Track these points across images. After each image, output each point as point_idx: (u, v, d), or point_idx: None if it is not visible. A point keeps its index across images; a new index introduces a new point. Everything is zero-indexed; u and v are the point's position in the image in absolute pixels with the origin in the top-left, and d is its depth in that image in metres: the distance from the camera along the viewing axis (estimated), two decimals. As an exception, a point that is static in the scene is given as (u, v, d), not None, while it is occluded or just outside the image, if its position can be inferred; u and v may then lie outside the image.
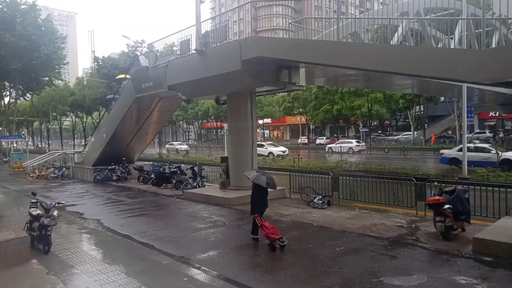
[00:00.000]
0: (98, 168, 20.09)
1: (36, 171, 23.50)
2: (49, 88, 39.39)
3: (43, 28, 28.51)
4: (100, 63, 41.04)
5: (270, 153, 34.19)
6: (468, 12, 18.28)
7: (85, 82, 56.34)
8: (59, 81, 41.24)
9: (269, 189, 8.65)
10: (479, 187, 9.83)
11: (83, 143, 51.94)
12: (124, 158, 20.34)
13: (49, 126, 73.13)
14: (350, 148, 35.53)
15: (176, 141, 67.79)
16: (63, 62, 32.44)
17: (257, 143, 36.38)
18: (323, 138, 57.62)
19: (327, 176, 13.02)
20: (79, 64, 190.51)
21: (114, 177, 19.68)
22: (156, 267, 6.76)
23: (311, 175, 13.81)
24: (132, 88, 17.45)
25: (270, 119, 66.74)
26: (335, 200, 12.22)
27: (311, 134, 63.29)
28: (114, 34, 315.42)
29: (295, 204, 12.50)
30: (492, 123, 50.15)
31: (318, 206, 11.75)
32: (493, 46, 17.80)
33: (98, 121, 26.69)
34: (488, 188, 9.76)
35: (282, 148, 36.27)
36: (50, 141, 78.78)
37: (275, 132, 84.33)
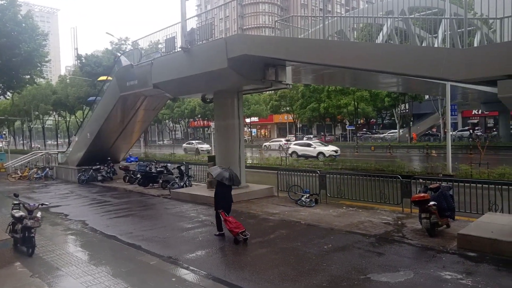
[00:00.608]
0: (83, 168, 19.75)
1: (19, 171, 22.96)
2: (31, 86, 38.48)
3: (23, 25, 27.77)
4: (83, 60, 40.27)
5: (320, 153, 29.23)
6: (451, 11, 18.60)
7: (68, 80, 55.18)
8: (41, 79, 40.30)
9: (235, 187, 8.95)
10: (463, 184, 10.02)
11: (67, 143, 51.02)
12: (109, 158, 20.04)
13: (31, 126, 71.50)
14: (280, 145, 39.27)
15: (194, 139, 61.93)
16: (44, 59, 31.67)
17: (304, 141, 35.91)
18: (310, 137, 57.86)
19: (314, 174, 13.08)
20: (62, 61, 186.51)
21: (99, 177, 19.38)
22: (144, 268, 6.67)
23: (299, 173, 13.86)
24: (117, 86, 17.20)
25: (257, 117, 66.71)
26: (322, 198, 12.29)
27: (298, 133, 63.51)
28: (97, 31, 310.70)
29: (283, 202, 12.52)
30: (475, 121, 51.24)
31: (305, 204, 11.79)
32: (475, 45, 18.16)
33: (82, 120, 26.20)
34: (471, 184, 9.96)
35: (333, 148, 30.79)
36: (32, 141, 76.99)
37: (262, 131, 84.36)
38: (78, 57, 42.62)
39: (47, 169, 22.51)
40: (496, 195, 9.42)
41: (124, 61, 17.70)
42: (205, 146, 44.26)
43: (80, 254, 7.66)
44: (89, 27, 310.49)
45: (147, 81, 14.99)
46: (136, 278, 6.16)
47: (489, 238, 7.01)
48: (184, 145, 49.42)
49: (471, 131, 41.26)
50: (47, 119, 71.17)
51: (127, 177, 18.43)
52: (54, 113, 62.87)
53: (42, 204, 8.43)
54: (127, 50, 34.02)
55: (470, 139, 34.40)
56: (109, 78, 19.73)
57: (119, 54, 21.64)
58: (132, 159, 22.00)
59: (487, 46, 12.64)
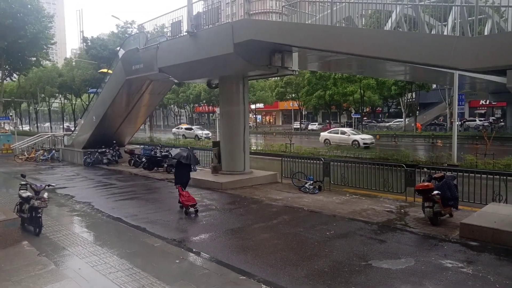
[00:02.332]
0: (89, 151, 19.92)
1: (25, 153, 23.20)
2: (37, 68, 38.48)
3: (29, 6, 27.66)
4: (89, 43, 40.04)
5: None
6: (462, -2, 18.19)
7: (73, 63, 55.08)
8: (47, 62, 40.38)
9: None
10: (467, 174, 9.99)
11: (73, 126, 51.22)
12: (114, 141, 20.17)
13: (37, 108, 71.81)
14: (196, 135, 41.40)
15: (183, 123, 61.02)
16: (50, 42, 31.64)
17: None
18: (315, 124, 57.69)
19: (318, 161, 13.10)
20: (68, 44, 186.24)
21: (105, 160, 19.53)
22: (148, 250, 6.79)
23: (303, 160, 13.88)
24: (122, 70, 17.18)
25: (262, 104, 66.45)
26: (326, 185, 12.33)
27: (303, 120, 63.30)
28: (103, 14, 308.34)
29: (287, 189, 12.59)
30: (483, 111, 50.73)
31: (309, 191, 11.85)
32: (486, 34, 17.83)
33: (87, 103, 26.27)
34: (476, 175, 9.93)
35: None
36: (40, 123, 77.44)
37: (267, 117, 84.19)
38: (84, 40, 42.42)
39: (53, 151, 22.71)
40: (500, 186, 9.41)
41: (133, 41, 17.63)
42: (205, 132, 42.68)
43: (86, 235, 7.80)
44: (95, 9, 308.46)
45: (153, 65, 14.95)
46: (141, 259, 6.27)
47: (492, 228, 7.03)
48: (174, 129, 47.61)
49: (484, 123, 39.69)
50: (53, 102, 71.42)
51: (132, 161, 18.56)
52: (60, 95, 62.99)
53: (48, 185, 8.55)
54: (133, 33, 33.79)
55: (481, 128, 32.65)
56: (109, 71, 19.80)
57: (128, 35, 21.56)
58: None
59: (497, 35, 12.42)
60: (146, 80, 17.38)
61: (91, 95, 28.61)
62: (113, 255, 6.46)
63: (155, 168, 17.12)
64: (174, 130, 48.45)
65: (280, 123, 78.60)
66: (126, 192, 12.61)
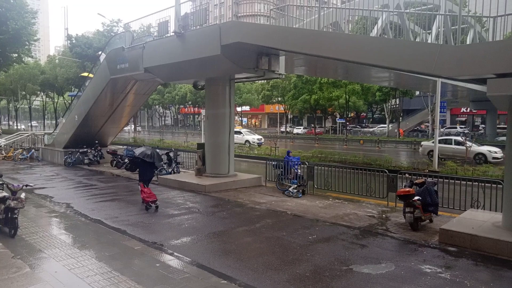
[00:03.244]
0: (69, 151, 19.52)
1: (3, 151, 22.56)
2: (18, 65, 37.63)
3: (11, 1, 26.99)
4: (74, 41, 39.35)
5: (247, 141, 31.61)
6: (446, 8, 18.63)
7: (57, 60, 54.04)
8: (29, 58, 39.42)
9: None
10: (447, 180, 10.17)
11: (54, 125, 50.16)
12: (96, 142, 19.82)
13: (18, 106, 70.07)
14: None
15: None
16: (33, 38, 30.91)
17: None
18: (300, 128, 58.03)
19: (303, 165, 13.13)
20: (51, 41, 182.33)
21: (86, 161, 19.17)
22: (128, 253, 6.66)
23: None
24: (107, 68, 16.91)
25: (248, 106, 66.48)
26: (309, 189, 12.38)
27: (289, 124, 63.59)
28: (89, 11, 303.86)
29: (271, 192, 12.58)
30: (463, 119, 51.93)
31: (293, 195, 11.87)
32: (468, 43, 18.26)
33: (70, 102, 25.78)
34: (456, 181, 10.12)
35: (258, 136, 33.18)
36: (18, 122, 75.45)
37: (253, 120, 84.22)
38: (68, 37, 41.69)
39: (33, 150, 22.16)
40: (478, 193, 9.61)
41: (119, 41, 17.40)
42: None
43: (63, 237, 7.60)
44: (80, 7, 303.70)
45: (138, 65, 14.76)
46: (120, 263, 6.14)
47: (469, 233, 7.16)
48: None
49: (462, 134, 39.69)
50: (34, 100, 69.83)
51: (115, 162, 18.26)
52: (42, 93, 61.65)
53: (26, 185, 8.32)
54: (118, 32, 33.37)
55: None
56: (90, 75, 19.52)
57: (113, 34, 21.35)
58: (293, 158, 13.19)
59: (478, 44, 12.73)
60: (131, 79, 17.15)
61: (75, 91, 28.12)
62: (92, 258, 6.31)
63: (138, 170, 16.83)
64: None
65: (266, 127, 78.72)
66: (107, 194, 12.38)
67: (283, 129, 58.15)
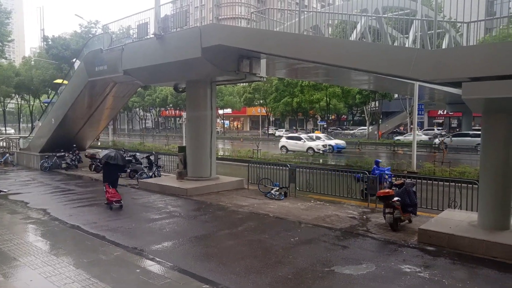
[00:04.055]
0: (46, 155, 18.98)
1: (-24, 156, 21.75)
2: (-9, 67, 36.46)
3: (-16, 1, 26.21)
4: (50, 42, 38.38)
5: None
6: (422, 13, 19.13)
7: (32, 62, 52.54)
8: (3, 60, 38.27)
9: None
10: (426, 181, 10.41)
11: (30, 128, 48.69)
12: (74, 145, 19.37)
13: (-9, 108, 67.69)
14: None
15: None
16: (7, 39, 30.09)
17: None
18: (282, 130, 58.34)
19: (284, 168, 13.19)
20: (27, 42, 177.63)
21: (64, 165, 18.70)
22: (107, 259, 6.51)
23: (269, 166, 13.93)
24: (85, 71, 16.55)
25: (230, 109, 66.38)
26: (291, 192, 12.43)
27: (271, 126, 63.83)
28: (66, 12, 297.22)
29: (253, 195, 12.57)
30: (440, 121, 53.35)
31: (275, 197, 11.90)
32: (444, 47, 18.79)
33: (46, 104, 25.11)
34: (433, 182, 10.37)
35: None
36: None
37: (235, 123, 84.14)
38: (45, 38, 40.65)
39: (7, 154, 21.46)
40: (455, 193, 9.87)
41: (97, 43, 17.11)
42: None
43: (40, 244, 7.37)
44: (57, 7, 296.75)
45: (117, 67, 14.52)
46: (99, 269, 6.00)
47: (447, 233, 7.34)
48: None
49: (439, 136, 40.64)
50: (9, 102, 67.60)
51: (93, 166, 17.86)
52: (17, 96, 59.74)
53: (0, 191, 8.03)
54: (97, 33, 32.77)
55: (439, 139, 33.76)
56: (65, 82, 19.15)
57: (91, 35, 20.98)
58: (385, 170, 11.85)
59: (453, 49, 13.12)
60: (110, 82, 16.84)
61: (51, 95, 27.41)
62: (69, 265, 6.14)
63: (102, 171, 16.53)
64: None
65: (248, 129, 78.78)
66: (85, 199, 12.09)
67: (271, 131, 58.37)
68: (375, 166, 11.62)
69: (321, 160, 23.29)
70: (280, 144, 29.81)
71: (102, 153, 11.23)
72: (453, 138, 30.65)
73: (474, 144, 27.15)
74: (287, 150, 28.56)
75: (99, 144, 35.82)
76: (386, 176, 11.02)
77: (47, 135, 19.11)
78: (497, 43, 8.11)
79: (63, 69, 35.42)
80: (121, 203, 10.64)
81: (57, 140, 18.80)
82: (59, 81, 22.96)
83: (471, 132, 29.25)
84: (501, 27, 17.55)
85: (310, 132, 50.60)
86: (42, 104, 52.20)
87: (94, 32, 37.24)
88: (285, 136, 31.88)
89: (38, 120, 23.52)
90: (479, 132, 24.52)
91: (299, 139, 29.35)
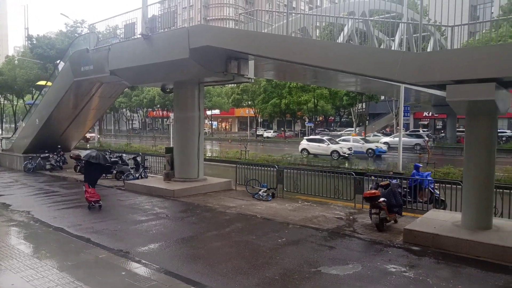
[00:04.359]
0: (30, 156, 18.62)
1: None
2: (-27, 65, 35.60)
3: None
4: (35, 42, 37.71)
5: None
6: (408, 16, 19.42)
7: (16, 61, 51.49)
8: (-15, 59, 37.43)
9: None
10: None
11: (13, 129, 47.69)
12: (59, 146, 19.03)
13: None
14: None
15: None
16: (-10, 38, 29.40)
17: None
18: (270, 132, 58.46)
19: (272, 169, 13.21)
20: (10, 41, 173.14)
21: (48, 166, 18.36)
22: (92, 261, 6.41)
23: (257, 167, 13.94)
24: (70, 70, 16.30)
25: (218, 110, 66.21)
26: (279, 193, 12.45)
27: (259, 127, 63.87)
28: (51, 11, 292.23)
29: (241, 196, 12.55)
30: (426, 122, 54.23)
31: (262, 198, 11.90)
32: (429, 50, 19.11)
33: (30, 104, 24.62)
34: (418, 182, 10.49)
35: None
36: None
37: (223, 124, 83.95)
38: (29, 37, 39.94)
39: (-11, 155, 20.98)
40: (440, 193, 10.03)
41: (83, 43, 16.88)
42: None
43: (22, 247, 7.21)
44: (42, 6, 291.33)
45: (104, 67, 14.34)
46: (83, 272, 5.90)
47: (432, 233, 7.45)
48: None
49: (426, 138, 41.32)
50: (-9, 102, 66.07)
51: (78, 167, 17.56)
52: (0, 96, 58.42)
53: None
54: (83, 33, 32.32)
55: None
56: (49, 83, 18.84)
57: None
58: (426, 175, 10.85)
59: (438, 52, 13.34)
60: (96, 82, 16.63)
61: (35, 96, 26.91)
62: (53, 268, 6.02)
63: (104, 175, 16.29)
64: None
65: (236, 130, 78.68)
66: (70, 200, 11.90)
67: (259, 132, 58.36)
68: (414, 171, 10.77)
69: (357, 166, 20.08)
70: (301, 147, 28.17)
71: (83, 153, 11.42)
72: (393, 139, 33.99)
73: (412, 144, 32.31)
74: (309, 153, 27.22)
75: (88, 146, 35.35)
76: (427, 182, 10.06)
77: (31, 136, 18.75)
78: (480, 46, 8.28)
79: (48, 69, 34.84)
80: (100, 203, 10.66)
81: (41, 141, 18.46)
82: (42, 82, 22.55)
83: (408, 132, 34.96)
84: (484, 31, 17.93)
85: (298, 134, 50.73)
86: (26, 104, 51.21)
87: (80, 31, 36.77)
88: (306, 138, 30.27)
89: (22, 120, 23.06)
90: (418, 133, 30.90)
91: (321, 141, 27.76)
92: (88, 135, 46.07)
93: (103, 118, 53.78)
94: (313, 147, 27.42)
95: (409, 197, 10.15)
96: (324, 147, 26.75)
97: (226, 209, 10.71)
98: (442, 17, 9.15)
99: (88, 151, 11.53)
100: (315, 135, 40.84)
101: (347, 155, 25.75)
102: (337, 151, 25.92)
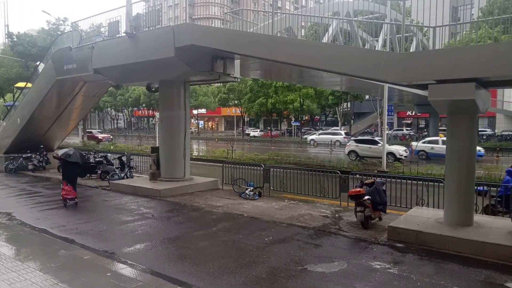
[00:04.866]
0: (11, 156, 18.23)
1: None
2: (-49, 63, 34.54)
3: None
4: (15, 39, 36.79)
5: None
6: (392, 17, 19.71)
7: (-4, 59, 50.19)
8: (-36, 56, 36.38)
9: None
10: (395, 180, 10.74)
11: None
12: (42, 146, 18.66)
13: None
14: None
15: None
16: (-32, 35, 28.60)
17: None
18: (257, 131, 58.52)
19: (259, 168, 13.25)
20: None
21: (30, 166, 18.01)
22: (76, 263, 6.33)
23: (244, 166, 13.95)
24: (53, 69, 16.00)
25: (205, 109, 65.87)
26: (266, 191, 12.50)
27: (246, 126, 63.85)
28: (32, 8, 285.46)
29: (227, 195, 12.55)
30: (409, 122, 55.16)
31: (249, 197, 11.93)
32: (412, 50, 19.44)
33: (11, 104, 24.03)
34: (402, 180, 10.71)
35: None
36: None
37: (209, 123, 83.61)
38: (9, 35, 38.94)
39: (-31, 156, 20.39)
40: (423, 191, 10.23)
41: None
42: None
43: (4, 249, 7.05)
44: (23, 2, 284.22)
45: (87, 66, 14.12)
46: (67, 274, 5.82)
47: (415, 230, 7.60)
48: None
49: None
50: (-30, 101, 64.25)
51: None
52: (-21, 94, 56.84)
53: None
54: (65, 31, 31.74)
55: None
56: (28, 85, 18.47)
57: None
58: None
59: (420, 52, 13.59)
60: (80, 81, 16.37)
61: (16, 95, 26.31)
62: (36, 271, 5.92)
63: (88, 175, 16.08)
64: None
65: (223, 129, 78.47)
66: (53, 201, 11.68)
67: (247, 131, 58.33)
68: (507, 176, 8.99)
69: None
70: (348, 149, 24.86)
71: (60, 151, 11.45)
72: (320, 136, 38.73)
73: (333, 140, 35.08)
74: (358, 156, 23.84)
75: (100, 147, 34.57)
76: None
77: (13, 136, 18.33)
78: (461, 47, 8.48)
79: (29, 67, 34.04)
80: (75, 200, 10.86)
81: (23, 140, 18.07)
82: (21, 84, 22.05)
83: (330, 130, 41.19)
84: (464, 32, 18.36)
85: (284, 133, 50.85)
86: (6, 106, 49.94)
87: (63, 29, 36.05)
88: (353, 139, 26.08)
89: (2, 120, 22.50)
90: (336, 131, 34.56)
91: (373, 142, 24.14)
92: (100, 136, 45.32)
93: (87, 118, 52.81)
94: (364, 149, 23.95)
95: (499, 206, 8.83)
96: (376, 149, 23.07)
97: (213, 208, 10.69)
98: (424, 18, 9.33)
99: (65, 149, 11.52)
100: (363, 135, 37.06)
101: (403, 157, 22.70)
102: (393, 153, 22.71)
